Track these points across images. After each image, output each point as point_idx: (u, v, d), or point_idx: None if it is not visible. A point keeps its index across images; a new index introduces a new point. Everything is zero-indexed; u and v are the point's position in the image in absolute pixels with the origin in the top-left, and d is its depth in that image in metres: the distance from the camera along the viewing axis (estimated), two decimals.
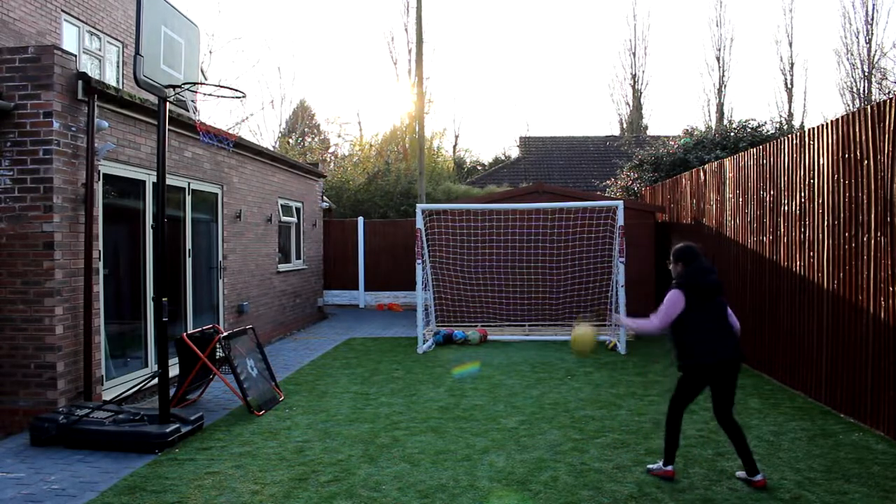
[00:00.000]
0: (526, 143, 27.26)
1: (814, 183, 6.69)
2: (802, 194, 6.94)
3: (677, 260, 4.64)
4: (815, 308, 6.64)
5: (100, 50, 11.71)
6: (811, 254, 6.75)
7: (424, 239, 10.67)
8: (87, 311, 6.20)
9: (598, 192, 17.55)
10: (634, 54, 33.81)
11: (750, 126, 14.32)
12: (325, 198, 16.20)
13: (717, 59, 32.85)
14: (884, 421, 5.44)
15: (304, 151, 26.99)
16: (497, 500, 4.28)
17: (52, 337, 5.93)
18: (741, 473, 4.54)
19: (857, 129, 5.89)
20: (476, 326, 11.30)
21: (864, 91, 29.67)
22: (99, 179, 6.56)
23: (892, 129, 5.36)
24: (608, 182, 17.15)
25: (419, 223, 10.16)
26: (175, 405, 6.36)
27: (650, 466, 4.76)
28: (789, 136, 7.27)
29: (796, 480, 4.51)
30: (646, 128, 33.04)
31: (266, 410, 6.47)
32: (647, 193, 13.94)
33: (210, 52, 27.52)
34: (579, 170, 24.70)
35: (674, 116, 53.21)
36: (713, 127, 17.25)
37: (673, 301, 4.48)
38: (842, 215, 6.15)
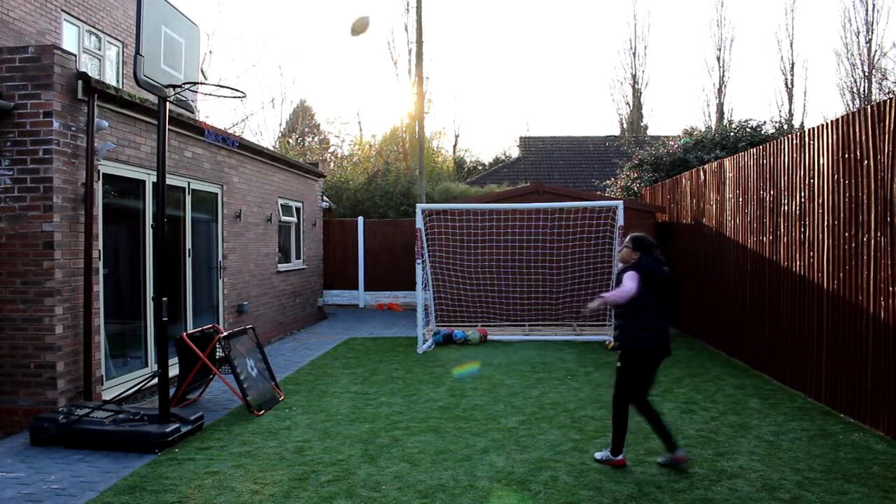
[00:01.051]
0: (526, 143, 27.24)
1: (814, 183, 6.69)
2: (802, 194, 6.93)
3: (635, 248, 4.91)
4: (815, 308, 6.64)
5: (100, 50, 11.71)
6: (811, 254, 6.75)
7: (424, 239, 10.67)
8: (86, 311, 6.20)
9: (599, 192, 17.54)
10: (634, 54, 33.82)
11: (750, 126, 14.33)
12: (325, 197, 16.20)
13: (718, 59, 32.84)
14: (884, 421, 5.44)
15: (304, 151, 26.97)
16: (497, 500, 4.28)
17: (52, 336, 5.93)
18: (661, 458, 4.86)
19: (857, 129, 5.89)
20: (476, 326, 11.30)
21: (864, 91, 29.67)
22: (99, 179, 6.56)
23: (892, 129, 5.36)
24: (608, 182, 17.15)
25: (419, 223, 10.15)
26: (175, 405, 6.35)
27: (597, 455, 4.94)
28: (789, 136, 7.26)
29: (796, 480, 4.51)
30: (646, 128, 33.03)
31: (266, 410, 6.47)
32: (647, 193, 13.94)
33: (210, 52, 27.50)
34: (579, 170, 24.68)
35: (674, 116, 53.24)
36: (713, 127, 17.26)
37: (635, 279, 4.71)
38: (842, 215, 6.15)
